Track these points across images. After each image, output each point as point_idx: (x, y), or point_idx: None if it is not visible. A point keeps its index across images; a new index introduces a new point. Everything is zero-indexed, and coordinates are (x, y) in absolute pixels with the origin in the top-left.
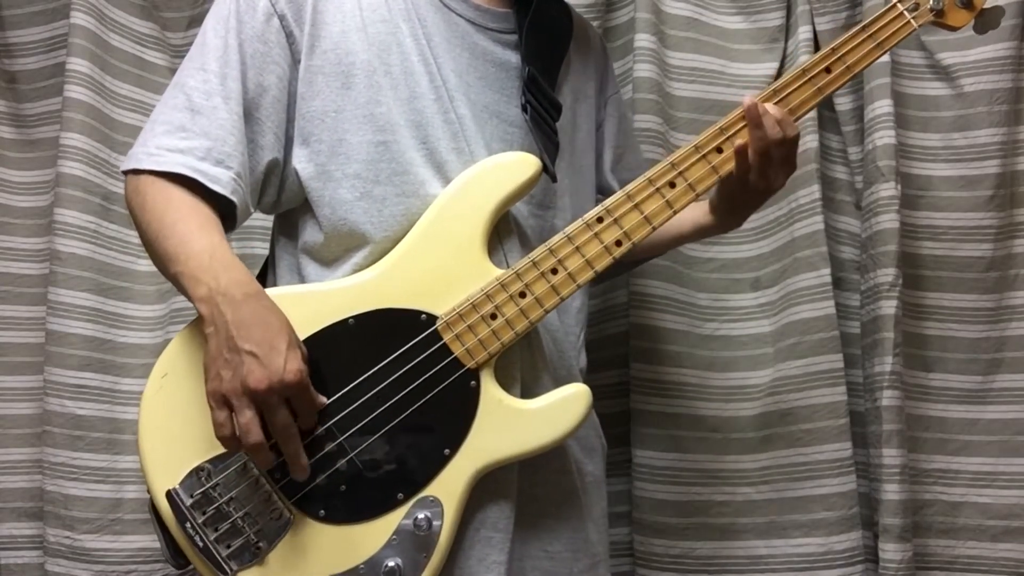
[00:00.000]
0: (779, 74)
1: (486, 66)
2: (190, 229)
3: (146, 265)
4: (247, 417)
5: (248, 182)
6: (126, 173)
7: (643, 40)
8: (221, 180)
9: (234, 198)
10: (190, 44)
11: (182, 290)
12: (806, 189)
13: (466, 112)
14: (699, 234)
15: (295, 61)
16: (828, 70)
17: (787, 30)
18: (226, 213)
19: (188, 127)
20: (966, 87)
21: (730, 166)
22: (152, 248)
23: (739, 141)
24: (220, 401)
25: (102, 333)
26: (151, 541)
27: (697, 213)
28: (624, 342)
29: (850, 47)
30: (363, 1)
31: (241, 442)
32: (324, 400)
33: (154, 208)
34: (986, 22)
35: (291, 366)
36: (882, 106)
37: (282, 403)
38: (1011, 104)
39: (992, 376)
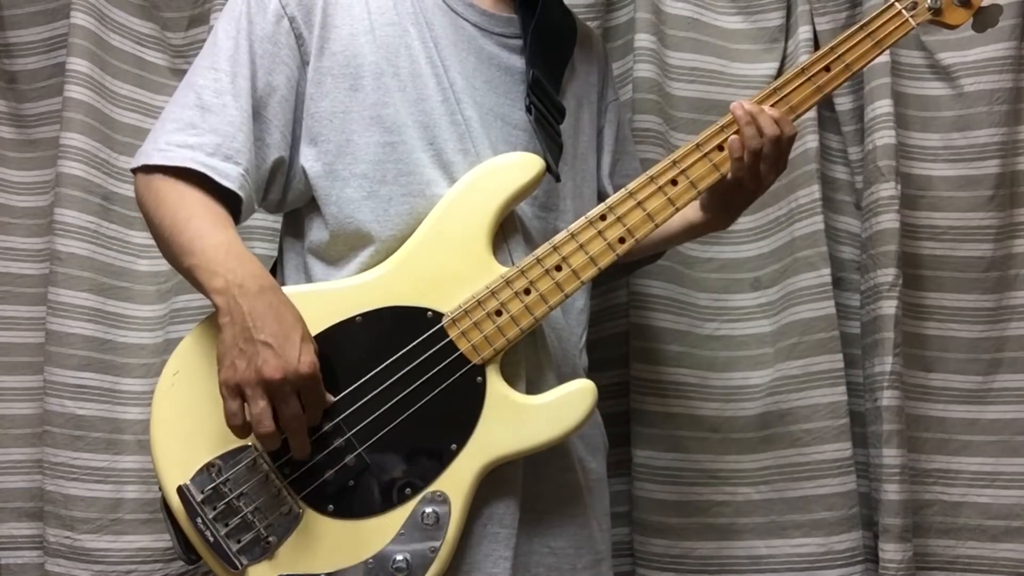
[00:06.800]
0: (779, 74)
1: (491, 70)
2: (204, 224)
3: (146, 265)
4: (260, 407)
5: (255, 179)
6: (136, 171)
7: (643, 40)
8: (230, 175)
9: (241, 193)
10: (190, 44)
11: (196, 283)
12: (806, 189)
13: (472, 114)
14: (689, 233)
15: (304, 62)
16: (827, 69)
17: (787, 30)
18: (232, 210)
19: (198, 124)
20: (966, 87)
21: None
22: (165, 243)
23: (732, 137)
24: (233, 390)
25: (102, 333)
26: (151, 541)
27: (687, 212)
28: (624, 342)
29: (849, 46)
30: (372, 4)
31: (252, 431)
32: (332, 398)
33: (167, 204)
34: (984, 20)
35: (305, 358)
36: (882, 106)
37: (293, 394)
38: (1011, 104)
39: (992, 376)
